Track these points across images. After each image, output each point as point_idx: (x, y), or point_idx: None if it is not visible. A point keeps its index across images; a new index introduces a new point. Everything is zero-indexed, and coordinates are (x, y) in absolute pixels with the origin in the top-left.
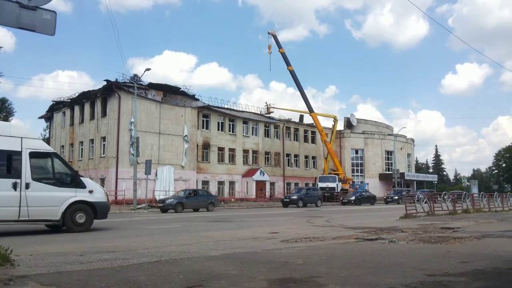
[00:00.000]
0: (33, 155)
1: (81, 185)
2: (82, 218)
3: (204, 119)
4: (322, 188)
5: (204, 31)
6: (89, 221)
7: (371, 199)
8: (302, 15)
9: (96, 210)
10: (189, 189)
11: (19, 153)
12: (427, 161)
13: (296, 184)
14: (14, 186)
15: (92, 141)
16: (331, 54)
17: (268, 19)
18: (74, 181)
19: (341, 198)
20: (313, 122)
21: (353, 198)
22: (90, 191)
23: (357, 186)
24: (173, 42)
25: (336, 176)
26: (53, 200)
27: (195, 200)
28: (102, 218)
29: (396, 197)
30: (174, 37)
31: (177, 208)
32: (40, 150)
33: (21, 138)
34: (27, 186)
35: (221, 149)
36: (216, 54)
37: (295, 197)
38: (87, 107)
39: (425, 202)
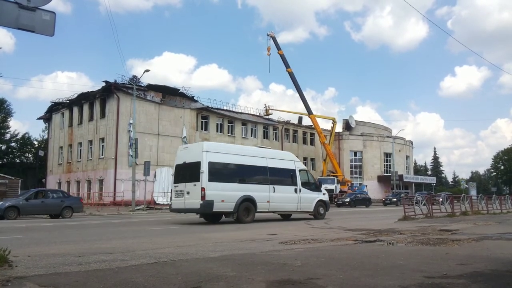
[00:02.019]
0: (300, 171)
1: (320, 190)
2: (322, 210)
3: (203, 120)
4: None
5: (204, 32)
6: (324, 213)
7: (366, 201)
8: (302, 17)
9: (326, 206)
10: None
11: (294, 171)
12: (425, 163)
13: None
14: (295, 191)
15: (90, 142)
16: (330, 56)
17: (268, 21)
18: (317, 187)
19: (336, 200)
20: (312, 124)
21: (348, 200)
22: (324, 194)
23: (356, 188)
24: (172, 44)
25: (335, 178)
26: (310, 199)
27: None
28: (328, 211)
29: (395, 199)
30: (173, 38)
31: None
32: (302, 168)
33: (294, 161)
34: (300, 190)
35: None
36: (215, 55)
37: None
38: (86, 108)
39: (424, 204)
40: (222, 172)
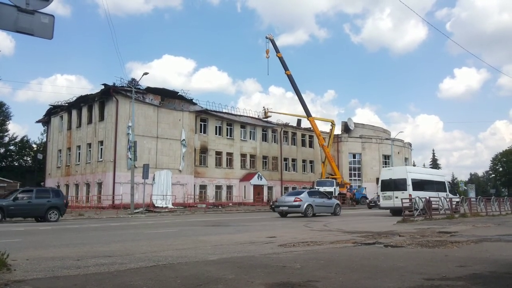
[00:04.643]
0: (447, 182)
1: (455, 193)
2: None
3: (202, 123)
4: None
5: (204, 35)
6: (459, 210)
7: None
8: (302, 19)
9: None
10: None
11: (445, 182)
12: (424, 165)
13: (293, 189)
14: (446, 195)
15: (89, 145)
16: (330, 59)
17: (268, 23)
18: (455, 193)
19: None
20: (311, 126)
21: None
22: (454, 195)
23: (355, 190)
24: (172, 46)
25: (334, 180)
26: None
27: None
28: None
29: None
30: (173, 41)
31: None
32: (448, 180)
33: (443, 176)
34: (448, 195)
35: (218, 153)
36: (215, 58)
37: None
38: (84, 111)
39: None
40: (416, 184)
